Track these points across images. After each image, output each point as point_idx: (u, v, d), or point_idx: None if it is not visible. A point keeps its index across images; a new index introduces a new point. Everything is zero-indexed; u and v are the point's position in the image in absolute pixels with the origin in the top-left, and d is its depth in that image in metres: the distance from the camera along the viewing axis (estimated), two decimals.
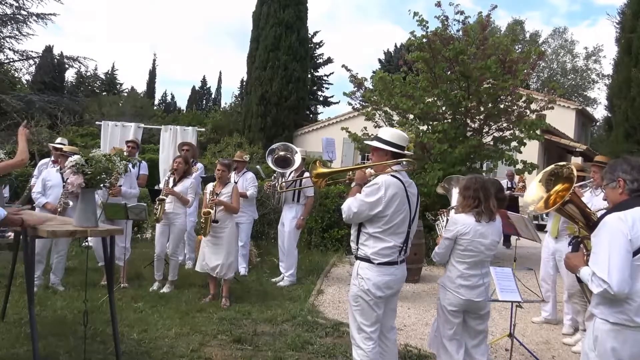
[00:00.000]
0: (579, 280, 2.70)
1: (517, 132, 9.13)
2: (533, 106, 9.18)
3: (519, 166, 8.76)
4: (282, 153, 6.93)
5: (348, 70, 9.92)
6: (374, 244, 3.35)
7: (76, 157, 3.68)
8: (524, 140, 8.95)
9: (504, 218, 4.98)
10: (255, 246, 8.43)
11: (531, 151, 14.16)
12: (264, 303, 5.96)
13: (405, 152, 3.44)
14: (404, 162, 3.39)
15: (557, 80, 36.56)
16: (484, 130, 9.49)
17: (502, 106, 9.16)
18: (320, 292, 6.69)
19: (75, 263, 7.43)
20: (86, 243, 7.66)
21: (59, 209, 5.94)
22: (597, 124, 33.57)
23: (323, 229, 9.15)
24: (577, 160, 18.57)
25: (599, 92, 39.91)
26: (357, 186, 3.41)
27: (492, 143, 9.45)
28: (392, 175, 3.35)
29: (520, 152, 9.15)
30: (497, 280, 3.97)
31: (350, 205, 3.34)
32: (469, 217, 3.60)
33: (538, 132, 8.87)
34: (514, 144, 9.17)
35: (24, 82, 21.95)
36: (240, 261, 7.36)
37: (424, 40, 8.88)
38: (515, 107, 9.22)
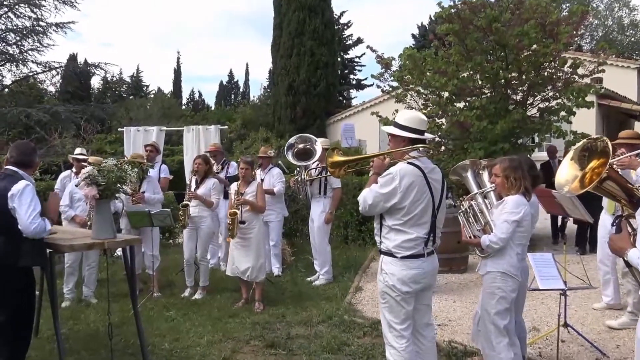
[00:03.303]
0: (627, 263, 2.58)
1: (565, 101, 8.79)
2: (580, 71, 8.80)
3: (569, 138, 8.43)
4: (301, 145, 6.94)
5: (373, 51, 9.80)
6: (395, 236, 3.32)
7: (89, 168, 3.80)
8: (573, 109, 8.60)
9: (550, 197, 4.82)
10: (289, 244, 8.49)
11: (587, 120, 13.57)
12: (299, 304, 6.00)
13: (426, 135, 3.37)
14: (421, 149, 3.30)
15: (614, 37, 34.92)
16: (528, 102, 9.18)
17: (545, 74, 8.83)
18: (359, 289, 6.68)
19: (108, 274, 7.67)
20: (117, 253, 7.92)
21: (88, 222, 6.12)
22: None
23: (360, 222, 9.10)
24: None
25: None
26: (375, 175, 3.37)
27: (538, 115, 9.13)
28: (409, 163, 3.29)
29: (570, 122, 8.81)
30: (536, 267, 3.84)
31: (365, 197, 3.31)
32: (523, 198, 3.67)
33: (588, 98, 8.50)
34: (562, 113, 8.84)
35: (51, 93, 22.80)
36: (273, 261, 7.43)
37: (452, 10, 8.66)
38: (561, 74, 8.88)
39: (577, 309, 5.73)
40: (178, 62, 47.00)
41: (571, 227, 8.70)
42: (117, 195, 4.09)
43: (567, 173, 2.69)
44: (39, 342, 4.91)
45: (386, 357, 3.45)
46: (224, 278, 6.92)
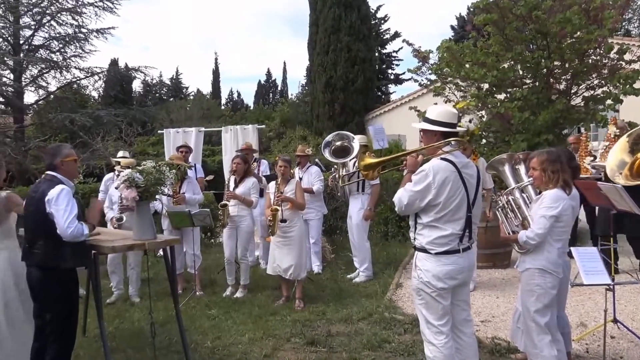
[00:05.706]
0: None
1: (611, 89, 8.50)
2: (628, 56, 8.49)
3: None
4: (338, 143, 6.94)
5: (410, 44, 9.73)
6: (429, 232, 3.31)
7: (128, 171, 3.92)
8: (620, 97, 8.31)
9: (594, 189, 4.67)
10: (329, 242, 8.53)
11: (637, 108, 13.04)
12: (339, 302, 6.04)
13: (458, 129, 3.33)
14: (453, 142, 3.27)
15: None
16: (572, 91, 8.93)
17: (590, 61, 8.56)
18: (399, 286, 6.66)
19: (152, 273, 7.88)
20: (160, 253, 8.14)
21: (114, 226, 6.22)
22: None
23: (400, 218, 9.06)
24: None
25: None
26: (409, 173, 3.36)
27: (582, 104, 8.87)
28: (442, 159, 3.27)
29: (617, 111, 8.51)
30: (580, 262, 3.73)
31: (400, 197, 3.32)
32: (562, 192, 3.59)
33: (636, 85, 8.19)
34: (609, 102, 8.55)
35: (94, 98, 23.50)
36: (313, 259, 7.49)
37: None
38: (607, 60, 8.59)
39: (626, 304, 5.57)
40: (216, 63, 48.06)
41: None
42: (156, 196, 4.20)
43: (614, 158, 2.57)
44: (86, 340, 5.11)
45: (425, 354, 3.44)
46: (264, 276, 7.02)
